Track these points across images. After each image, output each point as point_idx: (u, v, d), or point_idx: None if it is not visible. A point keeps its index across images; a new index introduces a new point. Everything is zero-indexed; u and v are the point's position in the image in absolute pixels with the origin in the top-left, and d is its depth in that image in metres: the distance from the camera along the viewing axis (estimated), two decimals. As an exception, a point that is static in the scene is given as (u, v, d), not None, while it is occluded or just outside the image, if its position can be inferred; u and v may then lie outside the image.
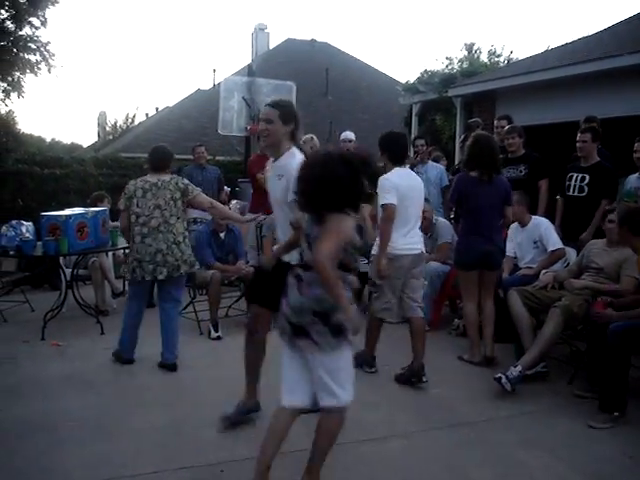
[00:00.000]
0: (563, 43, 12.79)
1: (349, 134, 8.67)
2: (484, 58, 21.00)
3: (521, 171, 6.71)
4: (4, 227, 6.77)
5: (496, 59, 21.84)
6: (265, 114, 3.96)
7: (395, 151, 5.24)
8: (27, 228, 6.76)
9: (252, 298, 4.38)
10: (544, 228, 6.07)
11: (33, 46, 18.20)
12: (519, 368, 4.83)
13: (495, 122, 7.14)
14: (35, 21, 18.22)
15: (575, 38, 12.40)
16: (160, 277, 5.47)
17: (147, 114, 33.56)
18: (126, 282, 6.85)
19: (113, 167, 13.05)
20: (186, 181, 5.73)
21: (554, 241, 6.02)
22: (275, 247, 4.01)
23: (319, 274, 3.00)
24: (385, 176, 5.12)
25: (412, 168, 8.00)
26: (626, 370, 4.43)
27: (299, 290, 3.16)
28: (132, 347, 5.67)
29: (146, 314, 5.60)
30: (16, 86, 18.54)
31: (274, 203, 4.03)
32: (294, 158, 3.86)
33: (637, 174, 6.12)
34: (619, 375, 4.36)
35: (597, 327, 4.75)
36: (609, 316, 4.65)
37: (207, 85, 29.48)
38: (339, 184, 3.09)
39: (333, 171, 3.09)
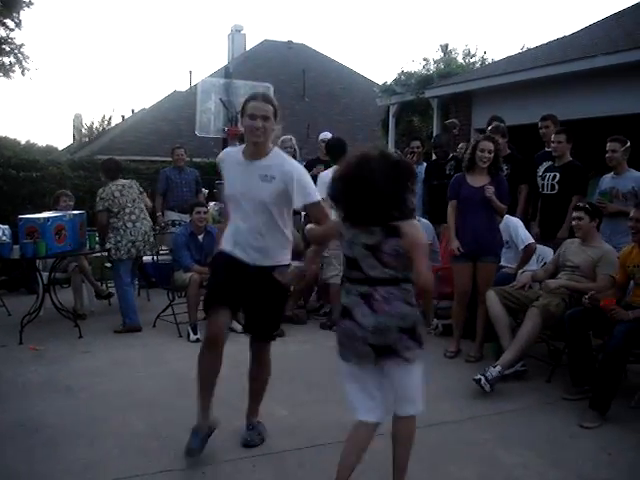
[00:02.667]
0: (539, 44, 12.90)
1: (327, 134, 8.69)
2: (459, 59, 21.13)
3: (503, 170, 6.76)
4: (-20, 231, 6.70)
5: (471, 60, 21.98)
6: (263, 110, 3.64)
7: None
8: (3, 231, 6.67)
9: (216, 299, 3.87)
10: (512, 227, 6.15)
11: (7, 48, 18.09)
12: (498, 368, 4.87)
13: (540, 123, 7.13)
14: (9, 23, 18.10)
15: (550, 39, 12.49)
16: (146, 254, 7.25)
17: (123, 116, 33.40)
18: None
19: (89, 169, 12.96)
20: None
21: (523, 238, 6.11)
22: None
23: (426, 292, 3.05)
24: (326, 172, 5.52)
25: None
26: (624, 370, 4.52)
27: (373, 309, 2.99)
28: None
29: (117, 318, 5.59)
30: (-12, 89, 18.39)
31: (249, 204, 3.73)
32: (286, 160, 3.79)
33: (611, 174, 6.19)
34: (617, 375, 4.40)
35: (578, 327, 4.82)
36: (625, 314, 4.62)
37: (183, 87, 29.43)
38: (407, 189, 3.04)
39: (399, 177, 3.00)
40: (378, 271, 3.01)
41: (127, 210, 6.81)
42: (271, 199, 3.69)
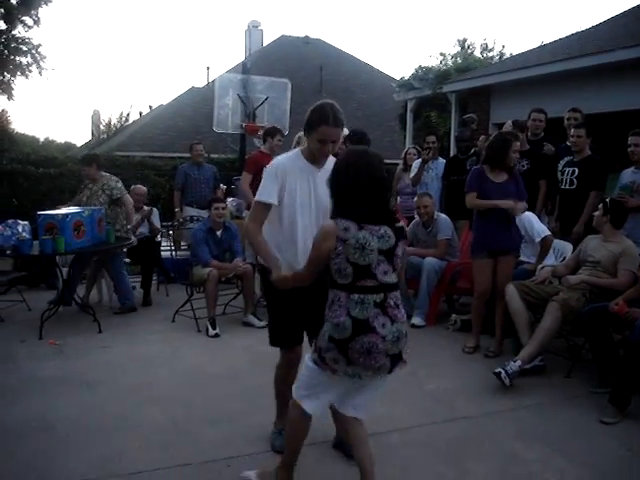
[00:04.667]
0: (557, 38, 12.83)
1: (344, 130, 8.66)
2: (477, 53, 21.08)
3: (523, 166, 6.74)
4: (0, 226, 6.75)
5: (489, 54, 21.93)
6: (335, 136, 3.47)
7: None
8: (23, 227, 6.73)
9: (292, 340, 3.76)
10: (527, 221, 6.08)
11: (24, 48, 18.21)
12: (518, 362, 4.85)
13: (568, 114, 7.09)
14: (28, 20, 18.21)
15: (568, 33, 12.44)
16: None
17: (141, 112, 33.53)
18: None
19: (107, 166, 12.96)
20: None
21: (539, 231, 6.07)
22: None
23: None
24: None
25: (424, 164, 8.07)
26: None
27: (391, 317, 2.91)
28: None
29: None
30: (6, 88, 18.55)
31: (316, 211, 3.60)
32: (332, 159, 3.63)
33: (632, 168, 6.15)
34: (637, 370, 4.35)
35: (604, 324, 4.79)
36: (636, 312, 4.59)
37: (201, 83, 29.49)
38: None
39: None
40: (390, 277, 2.94)
41: None
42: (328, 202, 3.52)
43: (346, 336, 2.87)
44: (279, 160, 3.72)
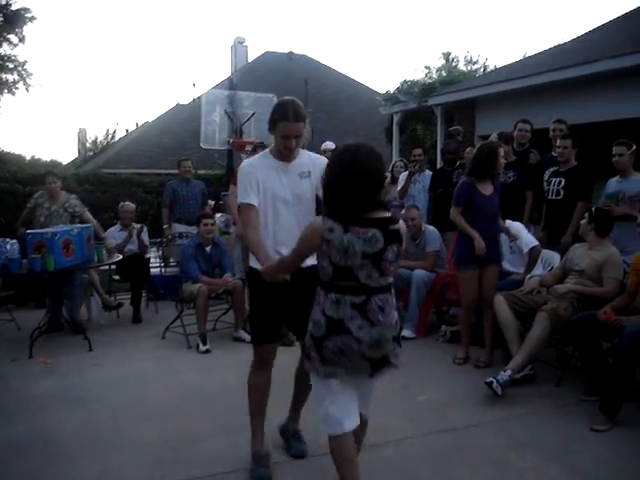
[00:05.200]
0: (540, 50, 12.95)
1: (329, 144, 8.75)
2: (461, 66, 21.22)
3: (510, 177, 6.80)
4: (-12, 246, 6.74)
5: (473, 67, 22.07)
6: (296, 131, 3.56)
7: None
8: (12, 246, 6.72)
9: (267, 338, 3.80)
10: (515, 232, 6.16)
11: (10, 65, 18.21)
12: (508, 372, 4.87)
13: (553, 126, 7.16)
14: (13, 38, 18.22)
15: (550, 45, 12.57)
16: None
17: (127, 130, 33.47)
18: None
19: (95, 183, 13.07)
20: None
21: (527, 241, 6.15)
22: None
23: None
24: None
25: (411, 177, 8.10)
26: (634, 373, 4.48)
27: (370, 320, 2.82)
28: None
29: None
30: (-9, 106, 18.52)
31: (294, 205, 3.67)
32: (312, 154, 3.83)
33: (617, 177, 6.21)
34: (626, 378, 4.39)
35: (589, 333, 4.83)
36: (627, 319, 4.63)
37: (187, 99, 29.53)
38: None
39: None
40: (375, 280, 2.84)
41: None
42: (313, 195, 3.69)
43: (322, 333, 2.86)
44: (246, 161, 3.89)
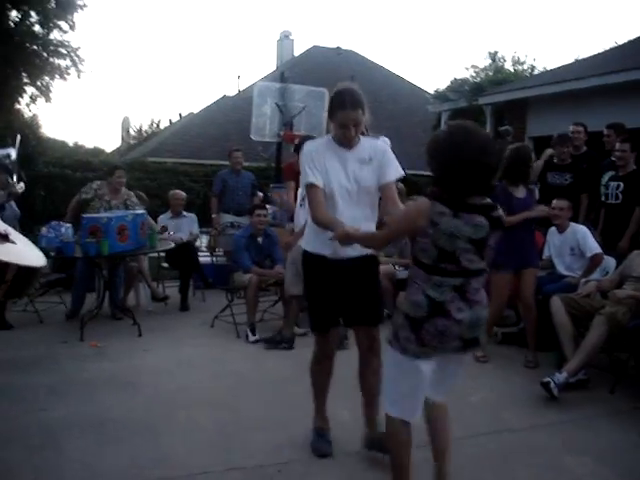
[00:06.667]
0: (594, 53, 12.79)
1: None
2: (508, 66, 21.05)
3: (566, 180, 6.76)
4: (44, 228, 6.83)
5: (520, 67, 21.88)
6: (354, 119, 3.57)
7: None
8: (67, 230, 6.81)
9: (325, 326, 3.85)
10: (581, 235, 6.09)
11: (63, 51, 18.40)
12: (565, 374, 4.82)
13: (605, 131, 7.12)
14: (64, 25, 18.41)
15: (603, 48, 12.41)
16: None
17: (170, 120, 33.80)
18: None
19: (141, 171, 13.17)
20: None
21: (591, 247, 6.04)
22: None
23: None
24: None
25: None
26: None
27: (469, 302, 2.84)
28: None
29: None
30: (45, 91, 18.72)
31: (353, 191, 3.63)
32: (372, 140, 3.83)
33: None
34: None
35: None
36: None
37: (232, 91, 29.63)
38: None
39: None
40: (475, 264, 2.85)
41: None
42: (373, 182, 3.66)
43: (422, 315, 2.82)
44: (308, 144, 3.84)
